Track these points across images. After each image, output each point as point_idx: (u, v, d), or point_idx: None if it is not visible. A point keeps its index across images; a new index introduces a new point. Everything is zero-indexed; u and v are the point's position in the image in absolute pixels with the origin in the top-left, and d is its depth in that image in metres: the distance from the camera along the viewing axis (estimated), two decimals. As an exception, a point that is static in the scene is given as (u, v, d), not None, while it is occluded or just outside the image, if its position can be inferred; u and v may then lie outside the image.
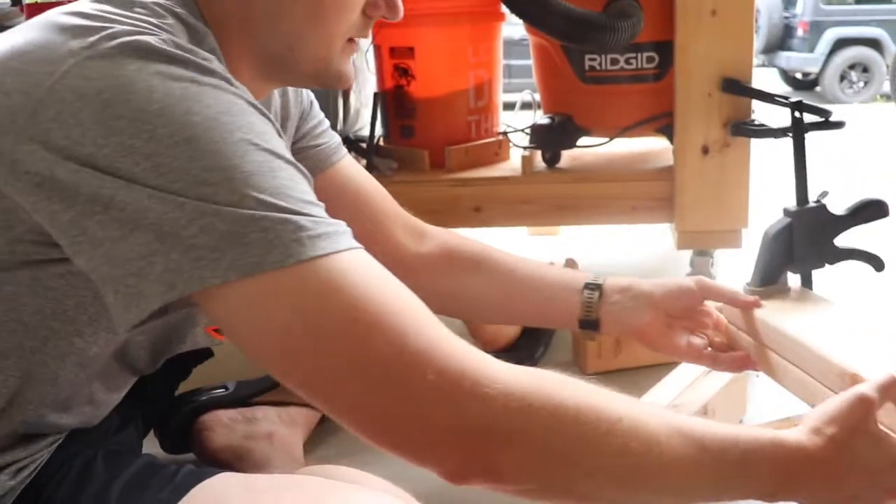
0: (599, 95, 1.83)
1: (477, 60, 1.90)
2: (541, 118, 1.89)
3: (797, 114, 1.10)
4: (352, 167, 1.09)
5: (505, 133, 1.98)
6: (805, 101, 1.66)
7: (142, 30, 0.67)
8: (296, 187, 0.66)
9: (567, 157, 1.88)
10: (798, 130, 1.10)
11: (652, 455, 0.67)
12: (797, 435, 0.75)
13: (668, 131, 1.79)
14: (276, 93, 0.98)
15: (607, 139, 1.86)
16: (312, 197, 0.67)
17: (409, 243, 1.09)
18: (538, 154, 1.86)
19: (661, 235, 2.15)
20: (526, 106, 2.13)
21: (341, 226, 0.67)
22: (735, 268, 1.97)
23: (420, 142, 1.90)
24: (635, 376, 1.45)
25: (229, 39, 0.77)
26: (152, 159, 0.61)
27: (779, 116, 1.68)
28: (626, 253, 2.26)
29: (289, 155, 0.68)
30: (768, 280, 1.14)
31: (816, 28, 8.83)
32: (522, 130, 1.95)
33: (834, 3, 8.92)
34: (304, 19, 0.78)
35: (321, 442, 1.33)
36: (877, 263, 1.13)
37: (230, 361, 1.25)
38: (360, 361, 0.62)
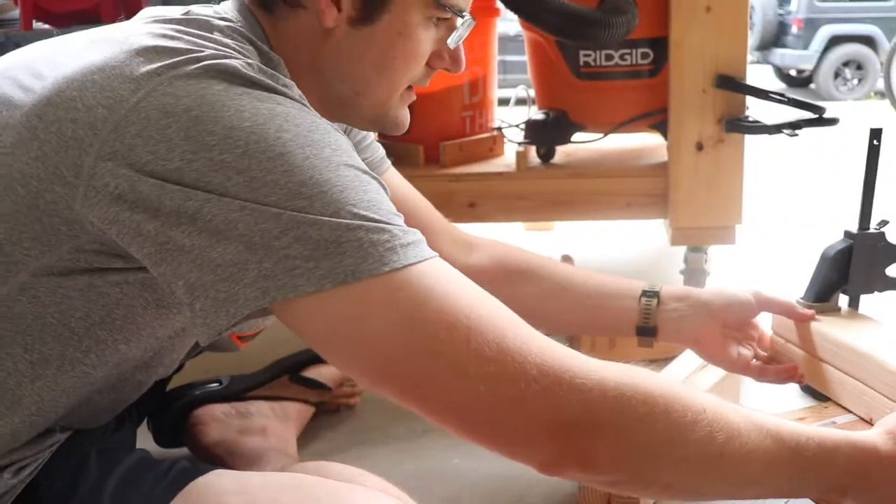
0: (594, 91, 1.83)
1: (471, 56, 1.88)
2: (535, 114, 1.89)
3: (875, 142, 1.10)
4: (396, 179, 1.11)
5: (499, 129, 1.98)
6: (799, 98, 1.68)
7: (226, 54, 0.69)
8: (383, 200, 0.68)
9: (561, 152, 1.88)
10: (872, 156, 1.11)
11: (734, 445, 0.69)
12: (872, 436, 0.76)
13: (662, 127, 1.79)
14: None
15: (602, 135, 1.86)
16: (395, 209, 0.69)
17: (459, 255, 1.10)
18: (533, 150, 1.86)
19: (656, 231, 2.16)
20: (520, 101, 2.13)
21: (421, 235, 0.69)
22: (729, 264, 1.98)
23: (414, 137, 1.90)
24: (629, 372, 1.45)
25: (298, 75, 0.79)
26: (245, 174, 0.63)
27: (773, 113, 1.69)
28: (620, 249, 2.26)
29: (371, 171, 0.71)
30: (821, 298, 1.16)
31: (811, 25, 8.83)
32: (517, 126, 1.95)
33: (828, 1, 8.93)
34: (374, 68, 0.81)
35: (315, 437, 1.33)
36: None
37: (223, 356, 1.26)
38: (463, 363, 0.64)
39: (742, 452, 0.69)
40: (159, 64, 0.67)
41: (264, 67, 0.71)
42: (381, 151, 1.11)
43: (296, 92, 0.72)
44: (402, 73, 0.83)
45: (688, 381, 1.23)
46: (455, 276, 0.68)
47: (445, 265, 0.69)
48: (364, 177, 0.68)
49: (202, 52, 0.69)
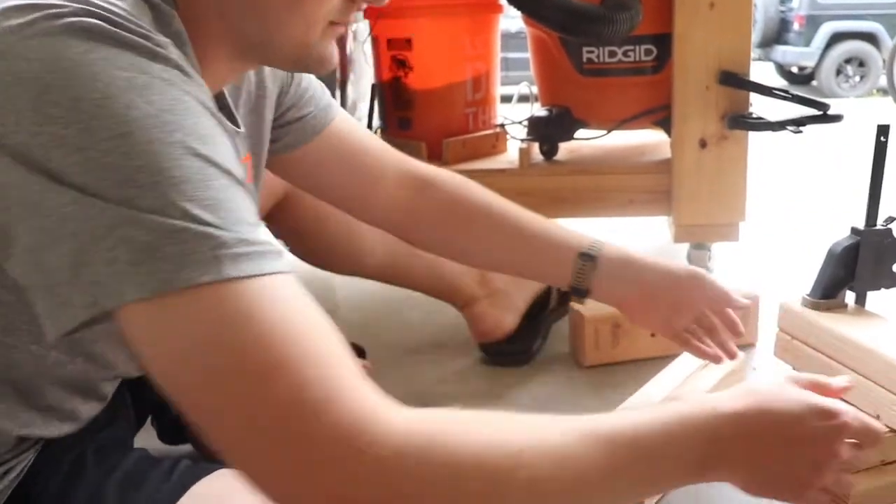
0: (597, 88, 1.83)
1: (474, 52, 1.90)
2: (538, 110, 1.89)
3: (882, 138, 1.10)
4: (345, 125, 1.06)
5: (502, 125, 1.98)
6: (803, 95, 1.67)
7: (92, 9, 0.61)
8: (229, 201, 0.59)
9: (564, 149, 1.87)
10: (879, 153, 1.11)
11: (565, 472, 0.62)
12: (726, 398, 0.73)
13: (665, 124, 1.79)
14: (251, 71, 0.94)
15: (605, 132, 1.85)
16: (248, 215, 0.61)
17: (408, 195, 1.09)
18: (535, 146, 1.86)
19: (659, 229, 2.15)
20: (523, 98, 2.12)
21: (271, 247, 0.60)
22: (732, 261, 1.97)
23: (417, 133, 1.90)
24: (633, 368, 1.45)
25: (205, 21, 0.73)
26: (83, 153, 0.57)
27: (776, 110, 1.68)
28: (623, 246, 2.25)
29: (233, 165, 0.63)
30: (828, 294, 1.16)
31: (813, 22, 8.82)
32: (520, 123, 1.95)
33: (830, -3, 8.92)
34: (283, 4, 0.74)
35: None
36: None
37: None
38: (253, 407, 0.56)
39: (575, 475, 0.63)
40: (16, 21, 0.60)
41: (136, 24, 0.63)
42: (327, 100, 1.05)
43: (173, 53, 0.64)
44: (314, 8, 0.75)
45: (688, 380, 1.23)
46: (289, 302, 0.59)
47: (287, 286, 0.60)
48: (213, 170, 0.60)
49: (66, 6, 0.60)
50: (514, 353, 1.52)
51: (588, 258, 1.10)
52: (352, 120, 1.09)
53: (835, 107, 1.66)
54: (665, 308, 1.11)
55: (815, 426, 0.73)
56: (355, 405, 0.57)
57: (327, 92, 1.06)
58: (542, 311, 1.57)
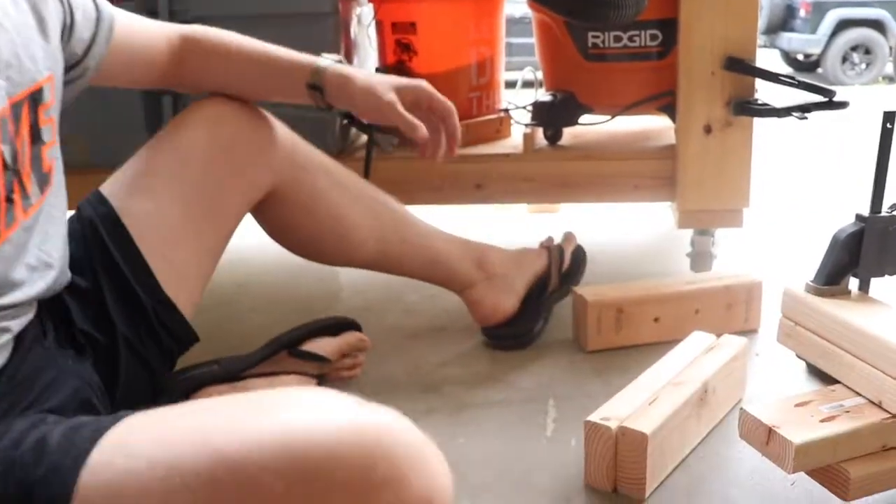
0: (602, 73, 1.82)
1: (479, 37, 1.89)
2: (543, 95, 1.88)
3: (888, 125, 1.10)
4: (122, 21, 1.09)
5: (506, 110, 1.97)
6: (809, 81, 1.67)
7: None
8: None
9: (569, 134, 1.87)
10: (885, 139, 1.11)
11: None
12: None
13: (670, 110, 1.78)
14: None
15: (609, 117, 1.85)
16: None
17: (175, 52, 1.18)
18: (540, 131, 1.85)
19: (663, 214, 2.15)
20: (527, 84, 2.12)
21: None
22: (736, 247, 1.97)
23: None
24: (636, 353, 1.45)
25: None
26: None
27: (783, 96, 1.68)
28: (626, 232, 2.25)
29: None
30: (832, 280, 1.16)
31: (818, 9, 8.78)
32: (524, 108, 1.94)
33: (837, -16, 8.87)
34: None
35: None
36: None
37: (214, 342, 1.26)
38: None
39: None
40: None
41: None
42: (96, 10, 1.05)
43: None
44: None
45: (693, 364, 1.23)
46: None
47: None
48: None
49: None
50: (515, 336, 1.52)
51: (315, 87, 1.20)
52: (122, 12, 1.11)
53: (840, 94, 1.65)
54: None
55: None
56: None
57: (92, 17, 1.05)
58: (542, 294, 1.56)
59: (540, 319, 1.55)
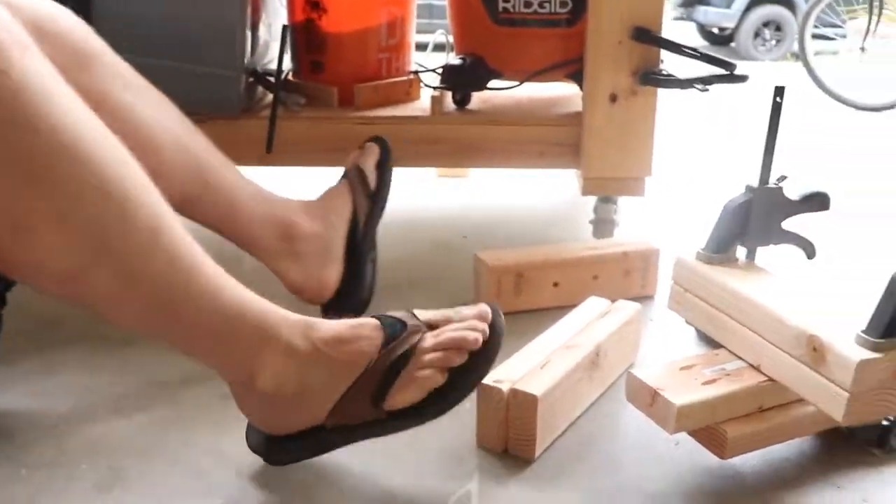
0: (512, 38, 1.82)
1: (390, -4, 1.87)
2: (453, 59, 1.88)
3: (778, 99, 1.13)
4: None
5: (416, 72, 1.96)
6: (710, 54, 1.70)
7: None
8: None
9: (478, 98, 1.87)
10: (775, 113, 1.14)
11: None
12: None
13: (578, 77, 1.80)
14: None
15: (518, 82, 1.86)
16: None
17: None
18: (448, 95, 1.85)
19: (568, 181, 2.18)
20: (439, 47, 2.11)
21: None
22: (637, 215, 2.01)
23: (329, 78, 1.87)
24: (535, 318, 1.46)
25: None
26: None
27: (687, 68, 1.71)
28: (532, 198, 2.28)
29: None
30: (721, 249, 1.19)
31: (734, -16, 8.95)
32: (434, 70, 1.93)
33: (752, -40, 9.04)
34: None
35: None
36: (810, 251, 1.19)
37: None
38: None
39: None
40: None
41: None
42: None
43: None
44: None
45: (586, 328, 1.26)
46: None
47: None
48: None
49: None
50: (355, 309, 1.42)
51: None
52: None
53: (748, 69, 1.69)
54: None
55: None
56: None
57: None
58: (356, 235, 1.43)
59: (367, 266, 1.45)
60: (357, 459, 1.09)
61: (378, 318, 1.00)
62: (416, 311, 1.02)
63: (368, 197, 1.47)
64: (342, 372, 0.96)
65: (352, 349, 0.97)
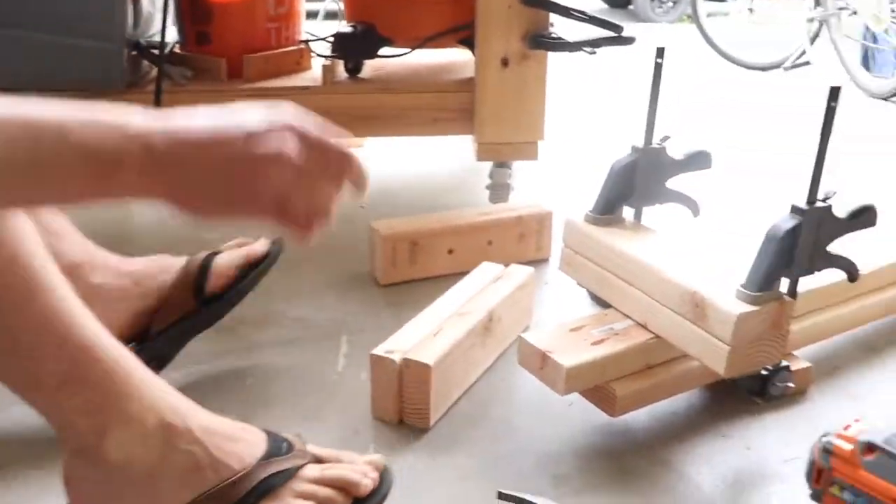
0: (402, 5, 1.80)
1: (277, -36, 1.83)
2: (343, 27, 1.85)
3: (659, 60, 1.13)
4: None
5: (306, 41, 1.92)
6: (598, 17, 1.71)
7: None
8: None
9: (369, 67, 1.85)
10: (656, 74, 1.14)
11: None
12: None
13: (469, 43, 1.79)
14: None
15: (410, 49, 1.84)
16: None
17: None
18: (340, 64, 1.82)
19: (464, 147, 2.18)
20: (330, 15, 2.07)
21: None
22: (532, 179, 2.02)
23: (217, 49, 1.82)
24: (430, 286, 1.46)
25: None
26: None
27: (576, 31, 1.72)
28: (428, 164, 2.27)
29: None
30: (608, 210, 1.20)
31: (631, -53, 9.04)
32: (325, 39, 1.90)
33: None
34: None
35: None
36: (695, 209, 1.20)
37: None
38: None
39: None
40: None
41: None
42: None
43: None
44: None
45: (479, 294, 1.26)
46: None
47: None
48: None
49: None
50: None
51: None
52: None
53: (644, 31, 1.71)
54: None
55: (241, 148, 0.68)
56: None
57: None
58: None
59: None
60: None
61: (266, 431, 0.91)
62: (309, 445, 0.93)
63: (200, 301, 1.18)
64: (210, 467, 0.83)
65: (229, 447, 0.84)
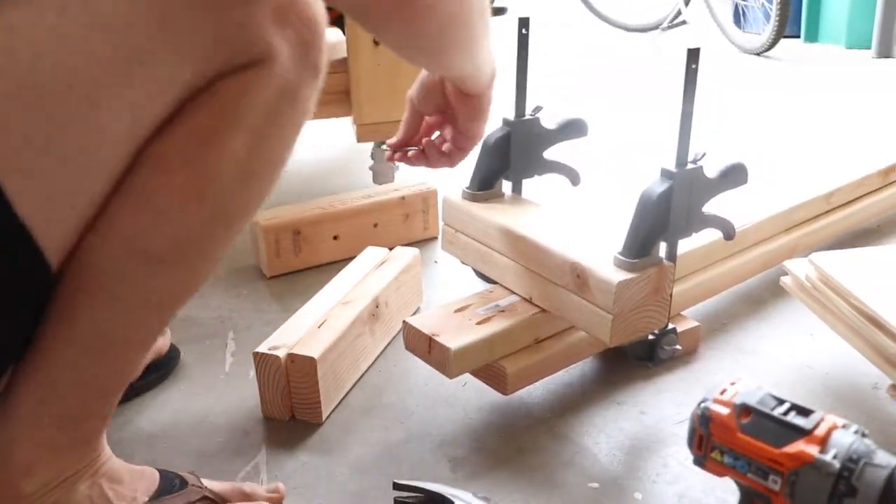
0: (267, -14, 1.74)
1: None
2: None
3: (524, 30, 1.11)
4: None
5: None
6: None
7: None
8: None
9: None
10: (522, 44, 1.12)
11: None
12: None
13: (340, 23, 1.75)
14: None
15: (280, 32, 1.78)
16: None
17: None
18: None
19: (345, 129, 2.14)
20: None
21: None
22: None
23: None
24: (317, 275, 1.43)
25: None
26: None
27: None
28: (312, 148, 2.22)
29: None
30: (486, 185, 1.17)
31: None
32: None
33: None
34: None
35: None
36: (574, 178, 1.18)
37: None
38: None
39: None
40: None
41: None
42: None
43: None
44: None
45: (364, 280, 1.23)
46: None
47: None
48: None
49: None
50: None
51: None
52: None
53: (501, 1, 1.70)
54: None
55: None
56: None
57: None
58: None
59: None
60: (143, 447, 1.03)
61: (160, 470, 0.89)
62: (204, 480, 0.90)
63: None
64: None
65: (121, 489, 0.83)
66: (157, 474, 0.88)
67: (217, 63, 0.67)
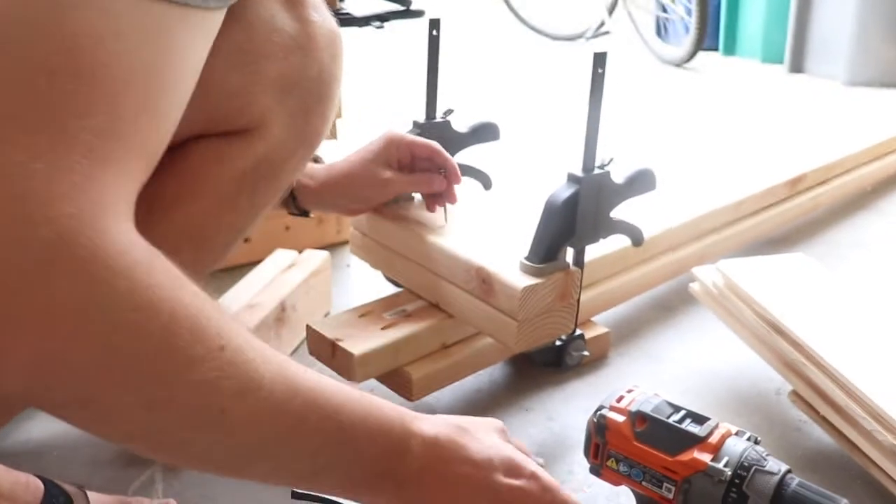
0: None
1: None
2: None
3: (434, 32, 1.09)
4: None
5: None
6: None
7: None
8: None
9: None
10: (433, 47, 1.10)
11: (247, 401, 0.53)
12: (436, 425, 0.66)
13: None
14: None
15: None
16: None
17: None
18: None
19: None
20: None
21: None
22: (335, 156, 1.97)
23: None
24: (226, 278, 1.39)
25: None
26: None
27: (365, 6, 1.68)
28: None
29: None
30: None
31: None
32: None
33: None
34: None
35: None
36: (486, 182, 1.18)
37: None
38: None
39: (255, 411, 0.54)
40: None
41: None
42: None
43: None
44: None
45: (271, 284, 1.20)
46: None
47: None
48: None
49: None
50: None
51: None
52: None
53: (432, 4, 1.69)
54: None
55: (500, 479, 0.67)
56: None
57: None
58: None
59: None
60: (33, 455, 0.99)
61: (45, 482, 0.81)
62: (92, 494, 0.84)
63: None
64: None
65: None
66: (41, 488, 0.82)
67: (198, 127, 0.62)
